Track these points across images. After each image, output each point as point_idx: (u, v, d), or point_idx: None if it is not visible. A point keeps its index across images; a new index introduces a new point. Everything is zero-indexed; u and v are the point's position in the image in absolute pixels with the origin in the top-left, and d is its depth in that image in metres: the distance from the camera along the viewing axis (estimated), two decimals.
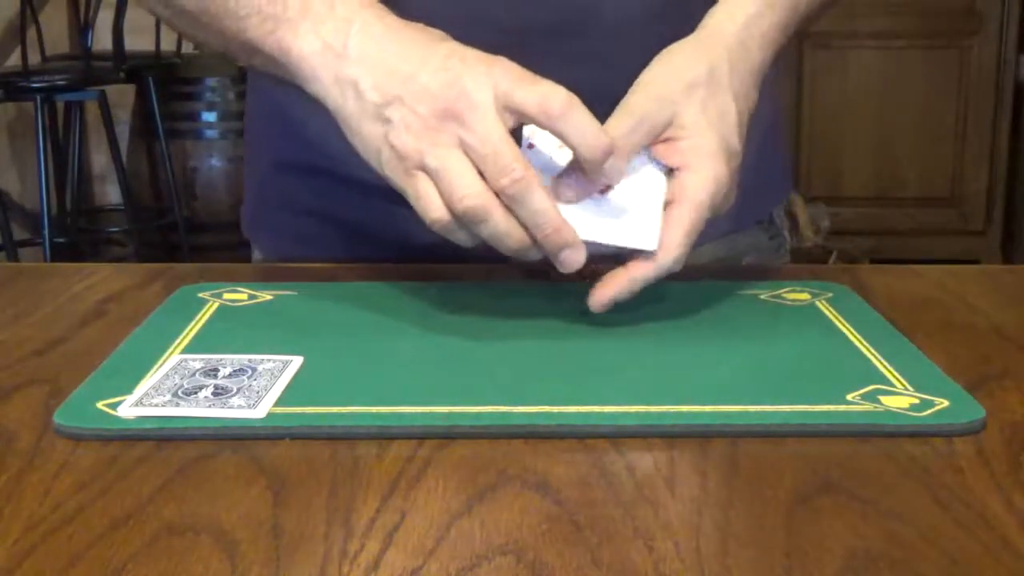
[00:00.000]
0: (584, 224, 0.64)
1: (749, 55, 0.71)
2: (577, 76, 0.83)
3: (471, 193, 0.61)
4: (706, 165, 0.65)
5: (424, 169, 0.62)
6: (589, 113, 0.62)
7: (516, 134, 0.63)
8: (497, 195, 0.61)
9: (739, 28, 0.71)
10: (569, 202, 0.64)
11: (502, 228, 0.62)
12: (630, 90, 0.67)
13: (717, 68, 0.68)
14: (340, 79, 0.64)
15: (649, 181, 0.66)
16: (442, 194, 0.61)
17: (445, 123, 0.61)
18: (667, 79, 0.67)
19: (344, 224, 0.88)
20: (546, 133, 0.64)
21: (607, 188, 0.65)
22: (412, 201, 0.63)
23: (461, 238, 0.63)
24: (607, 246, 0.65)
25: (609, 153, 0.62)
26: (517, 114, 0.62)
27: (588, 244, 0.64)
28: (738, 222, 0.86)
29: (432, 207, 0.62)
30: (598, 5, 0.80)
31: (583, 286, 0.75)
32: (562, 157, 0.65)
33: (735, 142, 0.67)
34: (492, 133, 0.61)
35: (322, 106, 0.66)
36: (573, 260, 0.63)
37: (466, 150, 0.61)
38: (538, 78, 0.62)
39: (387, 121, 0.62)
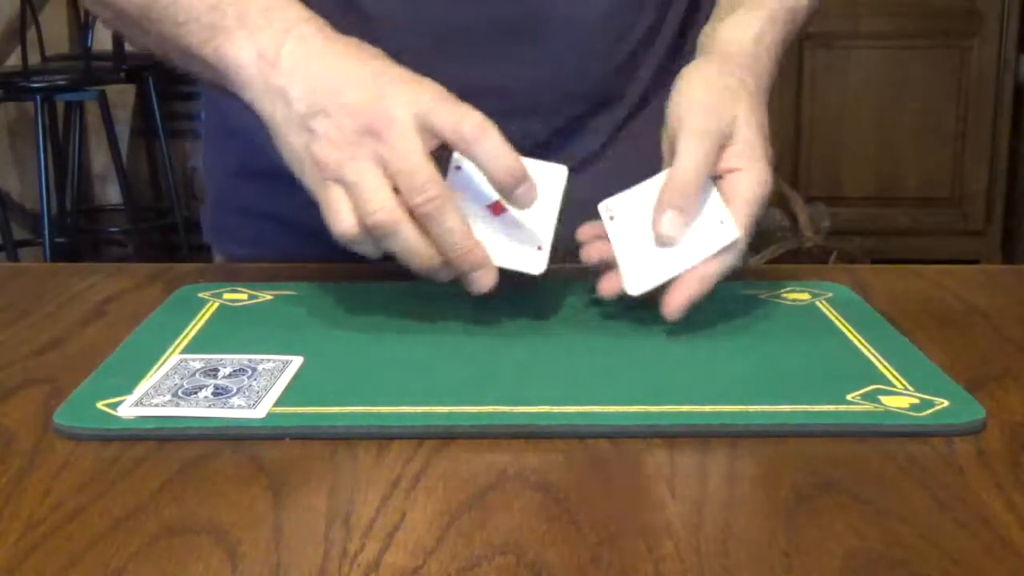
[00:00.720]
0: (669, 256, 0.66)
1: (763, 68, 0.72)
2: (532, 75, 0.83)
3: (383, 208, 0.61)
4: (757, 167, 0.67)
5: (341, 181, 0.62)
6: (502, 139, 0.63)
7: (444, 160, 0.65)
8: (411, 212, 0.62)
9: (751, 43, 0.72)
10: (672, 242, 0.66)
11: (412, 244, 0.62)
12: (676, 110, 0.68)
13: (746, 80, 0.70)
14: (271, 88, 0.65)
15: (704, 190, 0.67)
16: (355, 207, 0.62)
17: (365, 138, 0.62)
18: (709, 92, 0.68)
19: (301, 228, 0.88)
20: None
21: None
22: (323, 211, 0.64)
23: (368, 251, 0.64)
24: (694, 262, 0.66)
25: (520, 180, 0.63)
26: (435, 135, 0.62)
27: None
28: None
29: (340, 219, 0.62)
30: (552, 3, 0.81)
31: (583, 287, 0.75)
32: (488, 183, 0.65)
33: (770, 150, 0.69)
34: (410, 151, 0.62)
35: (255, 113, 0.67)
36: (484, 282, 0.64)
37: (384, 166, 0.62)
38: (458, 102, 0.63)
39: (311, 131, 0.63)
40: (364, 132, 0.62)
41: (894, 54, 3.48)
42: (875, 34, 3.47)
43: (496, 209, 0.66)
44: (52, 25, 3.43)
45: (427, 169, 0.62)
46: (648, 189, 0.68)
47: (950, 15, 3.47)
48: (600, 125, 0.88)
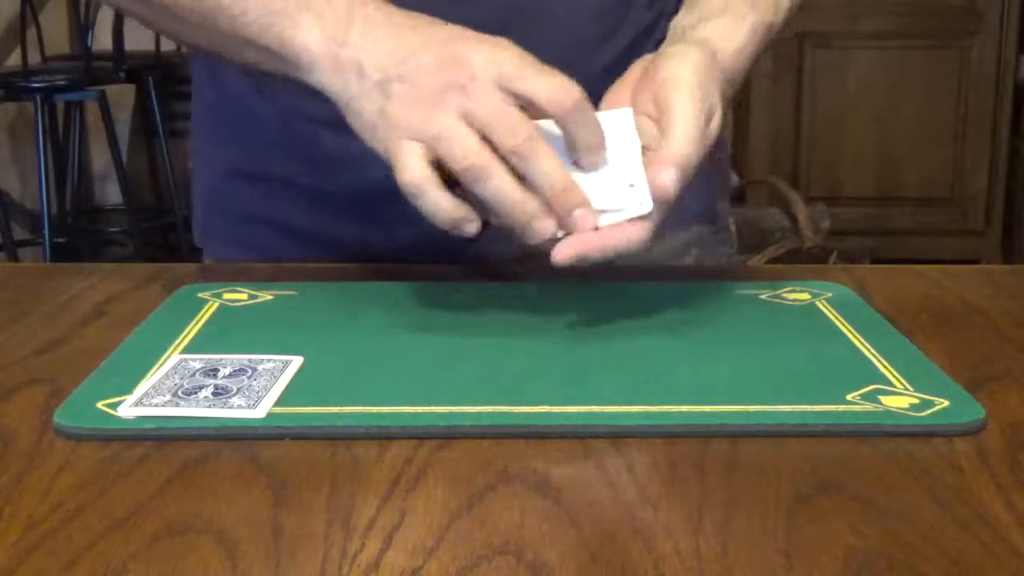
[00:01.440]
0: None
1: (736, 80, 0.73)
2: None
3: (474, 151, 0.61)
4: (683, 85, 0.67)
5: (422, 138, 0.62)
6: (591, 107, 0.63)
7: None
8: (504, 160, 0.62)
9: (732, 55, 0.73)
10: (669, 195, 0.64)
11: (507, 187, 0.62)
12: (673, 71, 0.67)
13: (724, 89, 0.70)
14: (341, 64, 0.65)
15: (623, 154, 0.66)
16: (444, 158, 0.62)
17: (447, 95, 0.62)
18: (703, 79, 0.68)
19: (293, 232, 0.88)
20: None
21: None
22: (393, 165, 0.63)
23: (431, 203, 0.63)
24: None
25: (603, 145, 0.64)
26: (519, 99, 0.62)
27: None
28: (681, 221, 0.87)
29: (408, 168, 0.62)
30: (547, 1, 0.81)
31: (583, 286, 0.75)
32: None
33: (713, 90, 0.68)
34: (496, 100, 0.62)
35: (324, 96, 0.67)
36: (586, 221, 0.63)
37: (469, 119, 0.62)
38: (541, 66, 0.63)
39: (387, 96, 0.63)
40: (444, 90, 0.62)
41: (894, 54, 3.48)
42: (875, 34, 3.47)
43: (577, 167, 0.66)
44: (52, 25, 3.44)
45: (516, 112, 0.62)
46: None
47: (950, 15, 3.47)
48: None
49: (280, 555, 0.43)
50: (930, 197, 3.56)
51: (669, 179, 0.64)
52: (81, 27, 3.20)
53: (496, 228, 0.65)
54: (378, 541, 0.44)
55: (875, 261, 3.02)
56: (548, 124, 0.65)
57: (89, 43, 3.14)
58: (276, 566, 0.42)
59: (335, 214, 0.86)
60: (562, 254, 0.63)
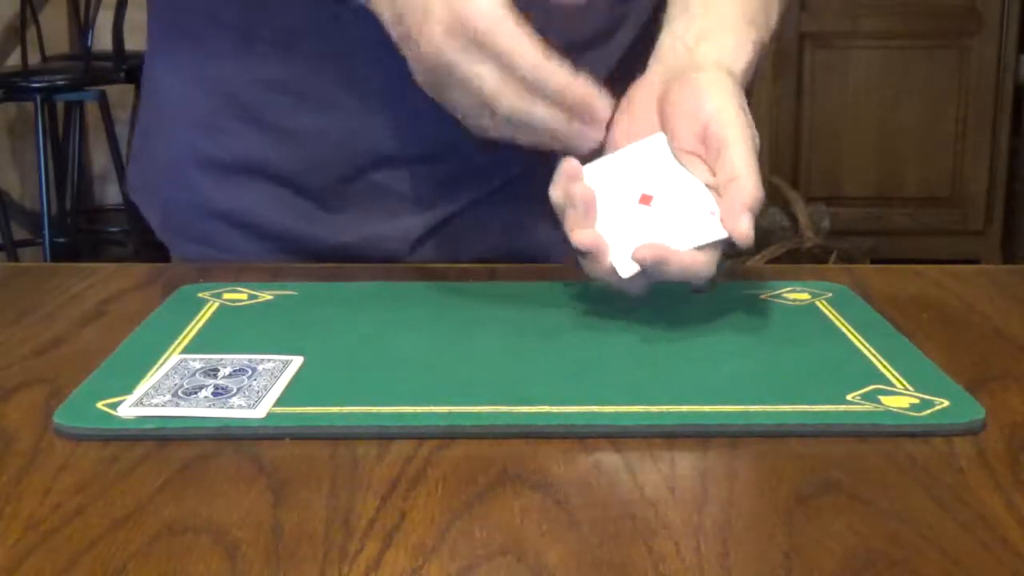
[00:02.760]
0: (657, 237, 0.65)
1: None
2: None
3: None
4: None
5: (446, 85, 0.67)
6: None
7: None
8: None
9: (741, 74, 0.72)
10: (750, 241, 0.65)
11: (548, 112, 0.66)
12: (720, 113, 0.67)
13: (741, 91, 0.70)
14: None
15: (684, 182, 0.67)
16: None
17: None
18: (742, 109, 0.68)
19: (261, 228, 0.87)
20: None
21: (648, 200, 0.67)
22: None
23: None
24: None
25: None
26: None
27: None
28: None
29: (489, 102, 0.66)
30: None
31: (583, 287, 0.75)
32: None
33: (751, 118, 0.69)
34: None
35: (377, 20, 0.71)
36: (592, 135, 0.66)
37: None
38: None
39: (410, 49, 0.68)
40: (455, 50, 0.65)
41: (894, 54, 3.48)
42: (875, 34, 3.47)
43: (645, 200, 0.66)
44: (52, 25, 3.44)
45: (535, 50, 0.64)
46: (631, 155, 0.68)
47: (950, 15, 3.47)
48: None
49: (280, 555, 0.43)
50: (930, 197, 3.56)
51: (747, 225, 0.64)
52: (81, 27, 3.20)
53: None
54: (378, 541, 0.44)
55: (875, 261, 3.02)
56: (611, 161, 0.67)
57: (89, 43, 3.14)
58: (276, 566, 0.42)
59: (307, 210, 0.86)
60: (642, 254, 0.63)
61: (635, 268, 0.63)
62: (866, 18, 3.45)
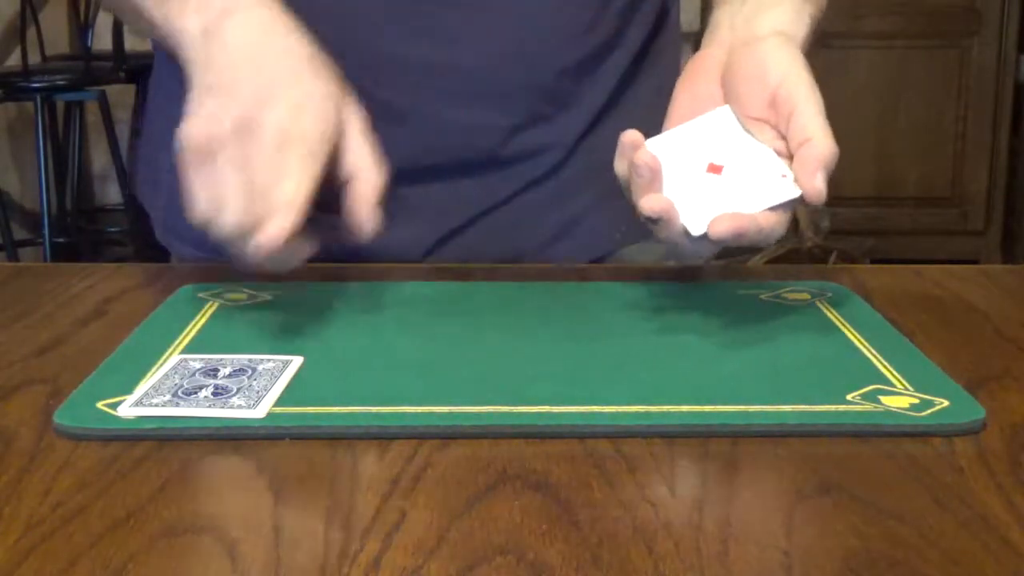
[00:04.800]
0: (728, 199, 0.64)
1: None
2: (487, 55, 0.83)
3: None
4: (802, 94, 0.66)
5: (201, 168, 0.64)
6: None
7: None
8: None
9: (801, 43, 0.72)
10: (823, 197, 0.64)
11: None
12: (787, 74, 0.67)
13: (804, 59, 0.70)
14: (204, 59, 0.66)
15: (753, 149, 0.67)
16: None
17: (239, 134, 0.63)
18: (809, 73, 0.68)
19: None
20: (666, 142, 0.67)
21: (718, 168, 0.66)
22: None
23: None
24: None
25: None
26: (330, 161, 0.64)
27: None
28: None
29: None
30: None
31: (583, 287, 0.75)
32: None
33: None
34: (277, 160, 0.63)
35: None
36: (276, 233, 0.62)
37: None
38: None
39: (198, 107, 0.65)
40: (240, 127, 0.62)
41: (894, 54, 3.48)
42: (875, 34, 3.47)
43: (714, 169, 0.66)
44: (52, 25, 3.44)
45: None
46: (696, 128, 0.68)
47: (950, 15, 3.47)
48: (560, 131, 0.86)
49: (280, 555, 0.43)
50: (930, 197, 3.56)
51: (822, 182, 0.63)
52: (81, 27, 3.20)
53: None
54: (378, 541, 0.44)
55: (875, 261, 3.02)
56: (675, 134, 0.67)
57: (89, 43, 3.14)
58: (276, 566, 0.42)
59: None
60: (720, 227, 0.61)
61: (706, 226, 0.62)
62: (866, 18, 3.45)
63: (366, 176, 0.66)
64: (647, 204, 0.63)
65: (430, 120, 0.82)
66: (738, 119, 0.68)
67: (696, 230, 0.63)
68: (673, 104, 0.71)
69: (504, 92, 0.83)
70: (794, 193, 0.64)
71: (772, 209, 0.64)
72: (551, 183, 0.86)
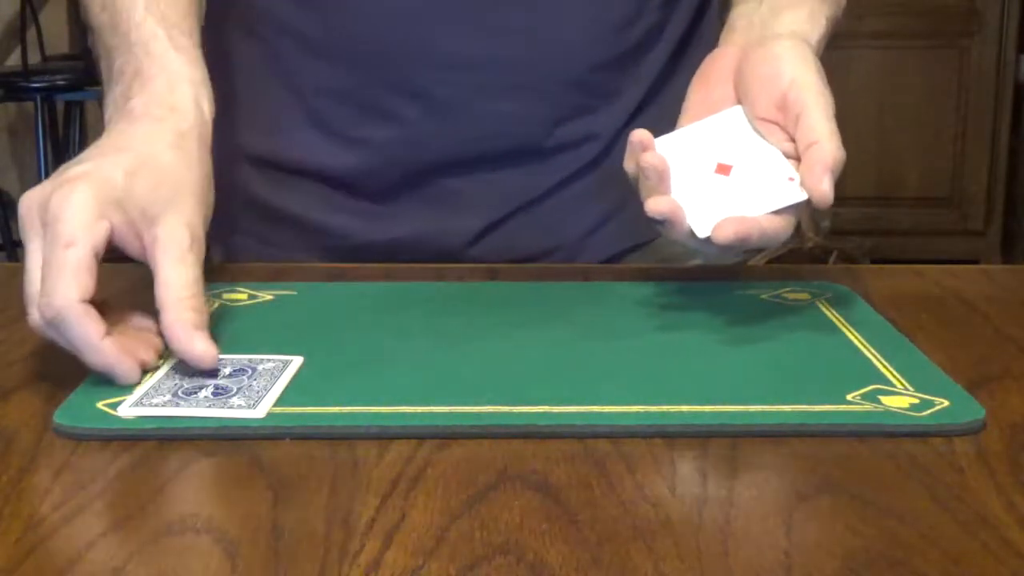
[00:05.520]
0: (734, 201, 0.64)
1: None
2: (528, 48, 0.84)
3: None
4: (811, 98, 0.66)
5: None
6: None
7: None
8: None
9: (816, 45, 0.72)
10: (828, 200, 0.64)
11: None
12: (796, 76, 0.67)
13: (817, 61, 0.70)
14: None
15: (762, 151, 0.67)
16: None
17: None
18: (820, 76, 0.68)
19: (311, 225, 0.88)
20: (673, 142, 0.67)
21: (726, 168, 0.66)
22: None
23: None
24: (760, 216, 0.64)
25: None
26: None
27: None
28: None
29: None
30: None
31: (583, 287, 0.75)
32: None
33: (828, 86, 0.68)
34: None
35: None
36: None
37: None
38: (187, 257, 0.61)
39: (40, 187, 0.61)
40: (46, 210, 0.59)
41: (894, 54, 3.48)
42: (875, 34, 3.47)
43: (723, 170, 0.66)
44: (52, 25, 3.44)
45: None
46: (707, 128, 0.68)
47: (950, 15, 3.47)
48: (602, 123, 0.87)
49: (280, 555, 0.43)
50: (930, 197, 3.56)
51: (828, 186, 0.63)
52: (81, 27, 3.20)
53: None
54: (378, 541, 0.44)
55: (875, 261, 3.01)
56: (683, 134, 0.67)
57: (89, 43, 3.14)
58: (276, 566, 0.42)
59: (347, 204, 0.87)
60: (724, 232, 0.62)
61: (713, 226, 0.63)
62: (866, 18, 3.45)
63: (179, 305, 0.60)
64: (653, 206, 0.64)
65: (474, 112, 0.83)
66: (749, 120, 0.68)
67: (702, 232, 0.63)
68: (687, 102, 0.71)
69: (547, 84, 0.84)
70: (800, 197, 0.64)
71: (778, 212, 0.64)
72: (592, 174, 0.87)
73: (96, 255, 0.58)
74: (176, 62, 0.68)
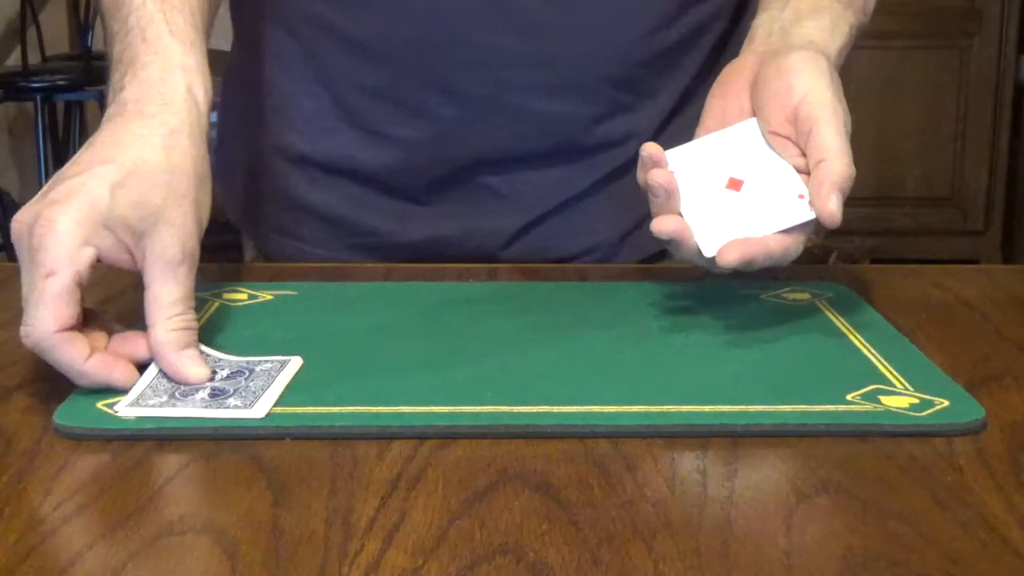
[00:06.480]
0: (742, 220, 0.64)
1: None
2: (573, 47, 0.84)
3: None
4: (825, 113, 0.66)
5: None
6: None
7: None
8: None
9: (835, 56, 0.72)
10: (836, 220, 0.64)
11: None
12: (812, 94, 0.66)
13: (834, 73, 0.69)
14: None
15: (774, 166, 0.67)
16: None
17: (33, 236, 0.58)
18: (837, 92, 0.68)
19: (347, 223, 0.88)
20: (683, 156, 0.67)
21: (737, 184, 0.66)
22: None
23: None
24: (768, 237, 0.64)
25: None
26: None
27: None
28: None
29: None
30: None
31: (583, 287, 0.75)
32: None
33: (844, 101, 0.68)
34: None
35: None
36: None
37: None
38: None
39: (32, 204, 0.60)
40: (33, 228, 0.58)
41: (894, 54, 3.48)
42: (875, 34, 3.45)
43: (734, 184, 0.66)
44: (52, 25, 3.43)
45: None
46: (721, 141, 0.68)
47: (950, 15, 3.47)
48: (642, 121, 0.87)
49: (280, 555, 0.43)
50: (930, 197, 3.56)
51: (836, 205, 0.63)
52: (81, 27, 3.20)
53: None
54: (378, 541, 0.44)
55: (875, 261, 3.01)
56: (699, 145, 0.67)
57: (89, 43, 3.14)
58: (276, 566, 0.42)
59: (380, 201, 0.87)
60: (728, 256, 0.62)
61: (720, 246, 0.63)
62: None
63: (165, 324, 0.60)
64: (659, 226, 0.64)
65: (511, 110, 0.83)
66: (763, 134, 0.68)
67: (708, 251, 0.63)
68: (705, 112, 0.71)
69: (588, 82, 0.84)
70: (808, 216, 0.64)
71: (786, 232, 0.64)
72: (631, 174, 0.87)
73: (79, 282, 0.57)
74: (171, 47, 0.67)
